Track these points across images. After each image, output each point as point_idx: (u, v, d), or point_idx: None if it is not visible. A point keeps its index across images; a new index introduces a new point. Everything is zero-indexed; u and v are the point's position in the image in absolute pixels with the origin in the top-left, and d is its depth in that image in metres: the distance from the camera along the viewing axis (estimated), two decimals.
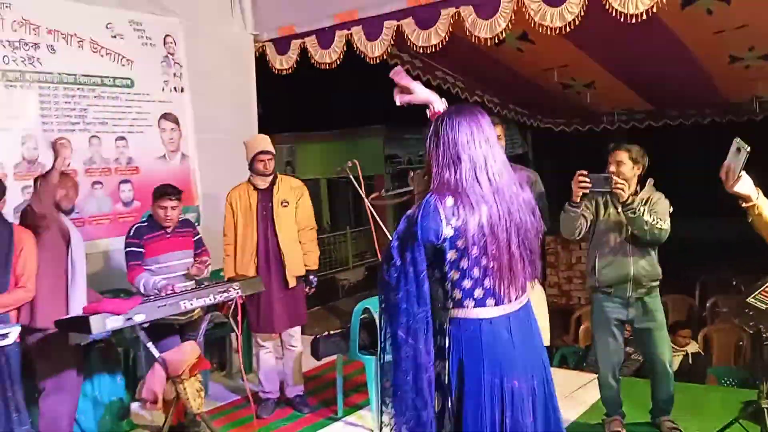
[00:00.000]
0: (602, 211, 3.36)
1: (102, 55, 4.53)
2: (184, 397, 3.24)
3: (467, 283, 1.86)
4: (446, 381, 1.88)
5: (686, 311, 6.30)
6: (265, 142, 3.99)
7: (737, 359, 5.11)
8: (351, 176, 3.81)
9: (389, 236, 3.70)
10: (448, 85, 7.07)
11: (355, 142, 12.92)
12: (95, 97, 4.49)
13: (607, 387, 3.46)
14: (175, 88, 5.05)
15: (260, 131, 5.54)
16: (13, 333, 3.02)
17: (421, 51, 4.51)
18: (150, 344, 3.09)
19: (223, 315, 3.69)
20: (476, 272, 1.85)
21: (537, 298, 3.54)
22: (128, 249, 3.62)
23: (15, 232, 3.15)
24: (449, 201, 1.82)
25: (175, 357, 3.23)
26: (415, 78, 6.75)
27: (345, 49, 4.88)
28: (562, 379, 3.67)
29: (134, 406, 3.86)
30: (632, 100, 7.70)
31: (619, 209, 3.24)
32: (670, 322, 4.01)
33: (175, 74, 5.06)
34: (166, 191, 3.67)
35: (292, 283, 3.90)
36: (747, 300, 2.86)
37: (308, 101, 9.46)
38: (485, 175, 1.86)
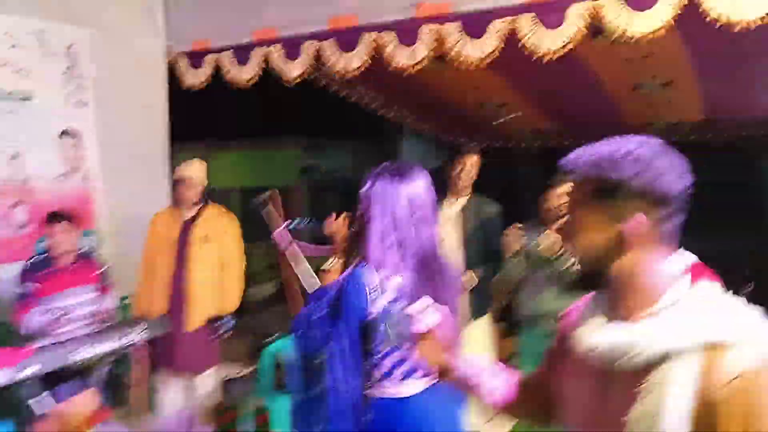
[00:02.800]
0: (531, 245, 3.44)
1: None
2: None
3: (390, 361, 1.85)
4: None
5: None
6: (184, 169, 3.79)
7: None
8: (264, 210, 3.67)
9: (304, 282, 3.61)
10: (367, 101, 7.05)
11: (271, 152, 12.64)
12: None
13: None
14: (78, 102, 4.73)
15: (172, 141, 5.29)
16: None
17: (339, 76, 4.44)
18: (33, 401, 2.84)
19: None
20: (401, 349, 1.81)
21: (479, 333, 3.57)
22: (19, 287, 3.33)
23: None
24: (382, 273, 1.79)
25: (71, 409, 2.99)
26: (335, 93, 6.71)
27: (264, 66, 4.73)
28: None
29: None
30: (542, 121, 7.99)
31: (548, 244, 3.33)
32: None
33: (78, 87, 4.73)
34: (53, 216, 3.41)
35: (194, 325, 3.68)
36: None
37: (224, 110, 9.16)
38: (417, 242, 1.83)
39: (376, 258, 1.81)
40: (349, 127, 10.30)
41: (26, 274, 3.35)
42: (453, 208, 3.67)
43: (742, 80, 5.67)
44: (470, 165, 3.64)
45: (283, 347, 3.55)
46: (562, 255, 3.30)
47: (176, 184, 3.73)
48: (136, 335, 3.18)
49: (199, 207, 3.78)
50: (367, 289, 1.76)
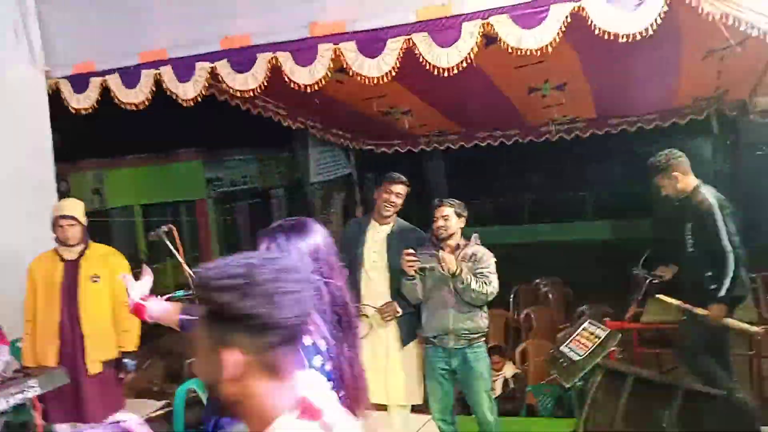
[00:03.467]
0: (428, 268, 3.47)
1: None
2: None
3: None
4: None
5: (503, 326, 6.60)
6: (65, 206, 3.55)
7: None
8: (167, 241, 3.51)
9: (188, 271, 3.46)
10: (270, 113, 6.90)
11: (171, 166, 12.17)
12: None
13: (440, 429, 3.59)
14: None
15: (61, 160, 4.95)
16: None
17: (239, 94, 4.30)
18: None
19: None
20: None
21: (406, 356, 3.56)
22: None
23: None
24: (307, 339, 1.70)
25: None
26: (235, 107, 6.52)
27: (154, 89, 4.50)
28: None
29: None
30: (446, 125, 8.13)
31: (445, 270, 3.37)
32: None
33: None
34: None
35: (93, 369, 3.46)
36: (560, 349, 3.06)
37: (117, 125, 8.69)
38: (332, 299, 1.78)
39: None
40: (252, 137, 10.08)
41: None
42: (379, 234, 3.66)
43: (628, 82, 6.00)
44: (396, 194, 3.63)
45: (198, 384, 3.39)
46: (459, 273, 3.37)
47: (56, 223, 3.49)
48: (30, 391, 2.94)
49: (83, 246, 3.56)
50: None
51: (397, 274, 3.56)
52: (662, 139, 7.49)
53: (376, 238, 3.67)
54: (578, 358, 3.13)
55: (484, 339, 3.52)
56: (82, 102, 4.75)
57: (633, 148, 9.86)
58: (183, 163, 12.21)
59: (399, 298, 3.57)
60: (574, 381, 3.21)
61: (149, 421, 3.51)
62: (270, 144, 11.25)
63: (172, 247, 3.49)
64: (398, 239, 3.56)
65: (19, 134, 4.76)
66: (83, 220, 3.58)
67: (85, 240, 3.61)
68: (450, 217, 3.46)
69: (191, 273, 3.55)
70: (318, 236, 1.81)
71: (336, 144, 8.85)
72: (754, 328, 3.67)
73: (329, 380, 1.71)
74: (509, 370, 5.23)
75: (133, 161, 11.91)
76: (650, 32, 3.22)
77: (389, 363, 3.62)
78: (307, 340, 1.70)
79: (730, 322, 3.54)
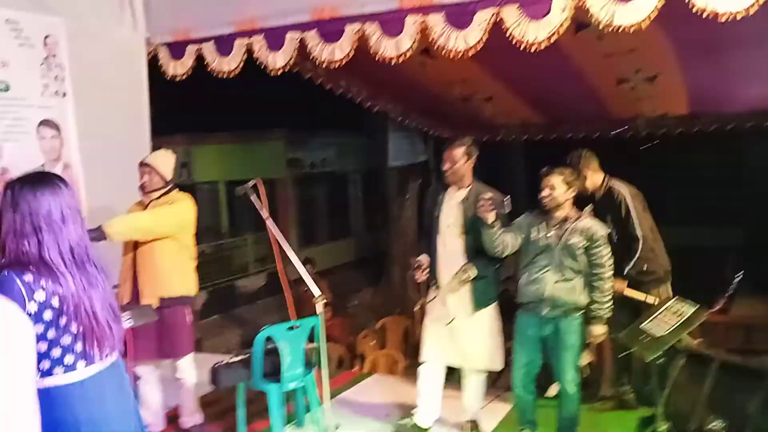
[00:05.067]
0: (532, 232, 3.43)
1: None
2: None
3: (56, 352, 1.89)
4: None
5: None
6: (147, 156, 3.75)
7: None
8: (252, 197, 3.66)
9: (291, 256, 3.58)
10: (352, 94, 7.02)
11: (255, 145, 12.57)
12: None
13: (519, 398, 3.56)
14: (56, 93, 4.65)
15: (153, 133, 5.22)
16: None
17: (325, 65, 4.40)
18: None
19: None
20: (66, 340, 1.89)
21: (481, 321, 3.56)
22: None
23: None
24: (28, 276, 1.84)
25: None
26: (321, 85, 6.68)
27: (246, 57, 4.68)
28: None
29: None
30: (528, 115, 7.99)
31: (549, 233, 3.33)
32: None
33: (56, 77, 4.65)
34: None
35: (145, 301, 3.60)
36: (641, 326, 2.99)
37: (206, 101, 9.08)
38: (66, 245, 1.90)
39: (16, 258, 1.87)
40: (334, 120, 10.26)
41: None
42: (455, 198, 3.66)
43: (728, 73, 5.70)
44: (458, 157, 3.62)
45: (276, 333, 3.52)
46: (567, 243, 3.31)
47: (139, 170, 3.72)
48: (124, 322, 3.14)
49: (160, 194, 3.74)
50: (21, 289, 1.81)
51: (472, 236, 3.55)
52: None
53: (452, 202, 3.68)
54: (662, 333, 3.05)
55: (581, 313, 3.41)
56: (178, 69, 5.01)
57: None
58: (267, 143, 12.59)
59: (475, 262, 3.55)
60: (656, 355, 3.12)
61: (229, 366, 3.68)
62: (350, 128, 11.42)
63: (256, 202, 3.64)
64: (474, 201, 3.54)
65: (120, 98, 5.07)
66: (161, 169, 3.73)
67: (166, 191, 3.75)
68: (557, 187, 3.36)
69: (274, 226, 3.70)
70: (67, 194, 1.95)
71: (414, 130, 8.89)
72: (651, 298, 3.87)
73: (60, 314, 1.85)
74: (585, 358, 5.17)
75: (220, 138, 12.39)
76: (752, 11, 3.08)
77: (463, 328, 3.61)
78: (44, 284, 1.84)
79: (627, 291, 3.89)
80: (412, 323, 6.34)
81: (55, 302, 1.86)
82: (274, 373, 3.55)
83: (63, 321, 1.88)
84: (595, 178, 4.15)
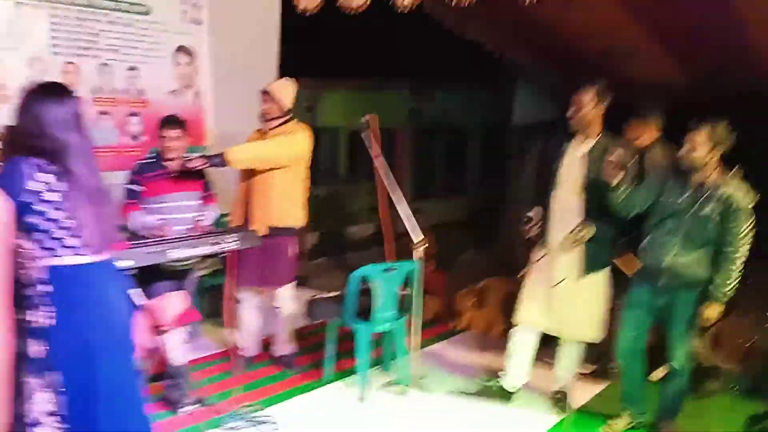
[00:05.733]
0: (665, 193, 3.15)
1: None
2: (163, 349, 3.15)
3: (61, 233, 2.07)
4: (44, 325, 2.04)
5: None
6: (268, 84, 3.79)
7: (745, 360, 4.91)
8: (363, 134, 3.62)
9: (396, 198, 3.54)
10: (481, 41, 6.76)
11: (378, 93, 12.54)
12: (108, 22, 4.29)
13: (624, 370, 3.33)
14: (193, 20, 4.83)
15: (282, 74, 5.32)
16: None
17: (454, 3, 4.22)
18: (133, 291, 2.98)
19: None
20: (69, 223, 2.08)
21: (588, 287, 3.33)
22: (126, 186, 3.49)
23: None
24: (36, 160, 2.03)
25: (161, 306, 3.13)
26: (447, 33, 6.47)
27: None
28: None
29: None
30: (672, 71, 7.29)
31: (683, 197, 3.04)
32: None
33: (194, 4, 4.82)
34: (168, 120, 3.53)
35: (254, 228, 3.65)
36: None
37: (335, 45, 9.12)
38: (70, 147, 2.08)
39: (26, 147, 2.06)
40: (460, 71, 9.98)
41: (135, 174, 3.51)
42: (578, 150, 3.37)
43: None
44: (586, 100, 3.30)
45: (371, 273, 3.53)
46: (700, 210, 3.01)
47: (260, 98, 3.77)
48: (227, 244, 3.26)
49: (277, 123, 3.77)
50: (24, 169, 2.00)
51: (593, 193, 3.28)
52: None
53: (575, 154, 3.38)
54: None
55: (699, 289, 3.08)
56: (309, 3, 5.01)
57: None
58: (390, 92, 12.54)
59: (593, 221, 3.28)
60: None
61: (324, 300, 3.74)
62: (475, 81, 11.07)
63: (366, 139, 3.61)
64: (601, 153, 3.24)
65: (252, 29, 5.18)
66: (281, 98, 3.75)
67: (285, 120, 3.78)
68: (699, 145, 2.96)
69: (382, 165, 3.64)
70: (70, 100, 2.14)
71: (544, 88, 8.47)
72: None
73: (64, 199, 2.04)
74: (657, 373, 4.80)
75: (345, 84, 12.47)
76: None
77: (566, 292, 3.38)
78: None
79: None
80: (516, 287, 6.15)
81: (60, 187, 2.05)
82: (365, 313, 3.56)
83: (66, 205, 2.06)
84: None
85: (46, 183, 2.03)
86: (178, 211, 3.52)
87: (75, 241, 2.08)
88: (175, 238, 3.14)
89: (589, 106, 3.28)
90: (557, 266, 3.41)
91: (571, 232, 3.31)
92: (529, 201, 3.60)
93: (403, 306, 3.72)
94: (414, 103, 13.19)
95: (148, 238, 3.16)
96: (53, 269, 2.05)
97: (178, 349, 3.24)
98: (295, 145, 3.76)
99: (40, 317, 2.04)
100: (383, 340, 3.94)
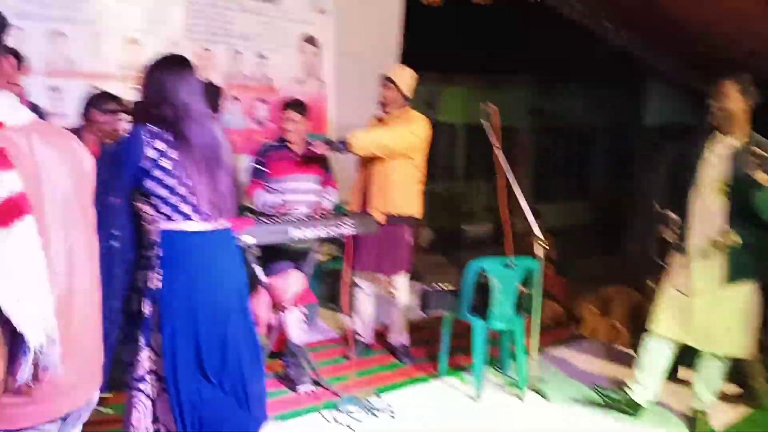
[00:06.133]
0: None
1: None
2: (284, 326, 3.17)
3: (174, 200, 2.09)
4: (154, 287, 2.10)
5: None
6: (392, 70, 3.73)
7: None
8: (483, 122, 3.48)
9: (516, 191, 3.38)
10: (611, 37, 6.38)
11: (499, 90, 12.23)
12: (241, 10, 4.43)
13: None
14: (320, 9, 4.89)
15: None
16: None
17: None
18: (257, 267, 3.02)
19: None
20: (182, 190, 2.09)
21: (730, 297, 3.01)
22: (253, 165, 3.59)
23: None
24: (154, 128, 2.07)
25: (281, 284, 3.15)
26: (575, 27, 6.17)
27: None
28: None
29: None
30: None
31: None
32: None
33: None
34: (290, 103, 3.59)
35: (378, 218, 3.60)
36: None
37: (456, 40, 8.98)
38: (187, 116, 2.09)
39: (146, 116, 2.11)
40: (586, 68, 9.48)
41: (260, 155, 3.60)
42: (722, 148, 3.06)
43: None
44: (730, 95, 2.96)
45: (490, 266, 3.37)
46: None
47: (380, 85, 3.72)
48: (346, 228, 3.25)
49: (398, 109, 3.70)
50: (143, 137, 2.05)
51: (740, 196, 2.93)
52: None
53: (718, 152, 3.05)
54: None
55: None
56: None
57: None
58: (511, 88, 12.21)
59: (738, 227, 2.95)
60: None
61: (439, 292, 3.63)
62: (603, 78, 10.49)
63: (488, 129, 3.46)
64: (747, 152, 2.89)
65: (376, 19, 5.19)
66: (402, 86, 3.68)
67: (402, 107, 3.71)
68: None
69: (502, 156, 3.49)
70: (188, 72, 2.15)
71: (681, 87, 7.87)
72: None
73: (177, 166, 2.06)
74: None
75: (466, 80, 12.29)
76: None
77: (708, 302, 3.06)
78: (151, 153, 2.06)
79: None
80: (643, 298, 5.74)
81: (174, 155, 2.07)
82: (482, 308, 3.41)
83: (179, 172, 2.07)
84: None
85: (162, 150, 2.07)
86: (300, 192, 3.57)
87: (187, 207, 2.11)
88: (296, 219, 3.16)
89: (734, 101, 2.95)
90: (696, 274, 3.08)
91: (713, 238, 2.99)
92: (662, 205, 3.29)
93: (523, 305, 3.53)
94: (536, 101, 12.78)
95: (270, 217, 3.19)
96: (165, 233, 2.11)
97: (296, 328, 3.26)
98: (414, 134, 3.69)
99: (153, 279, 2.10)
100: (500, 339, 3.76)
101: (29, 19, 3.61)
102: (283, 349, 3.43)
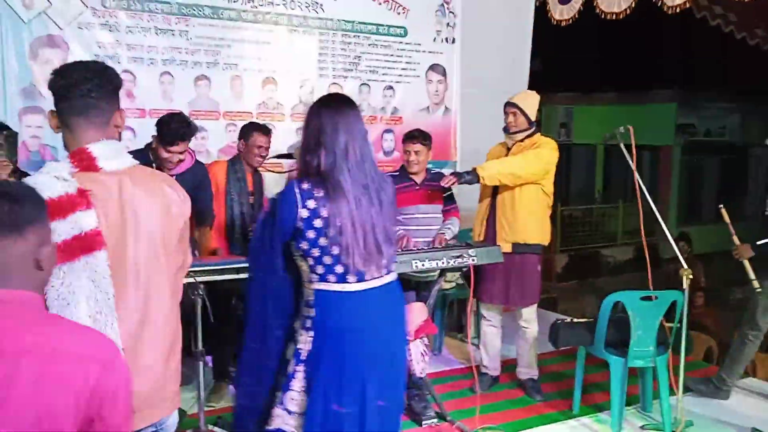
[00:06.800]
0: None
1: (379, 3, 4.57)
2: (408, 359, 3.16)
3: (328, 260, 1.99)
4: (308, 349, 2.02)
5: None
6: (515, 95, 3.65)
7: None
8: (622, 144, 3.29)
9: (656, 212, 3.17)
10: (758, 39, 5.82)
11: (641, 107, 11.53)
12: (369, 45, 4.58)
13: None
14: (446, 39, 4.92)
15: (533, 89, 5.17)
16: None
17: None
18: None
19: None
20: (335, 250, 1.97)
21: None
22: None
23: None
24: (305, 185, 1.98)
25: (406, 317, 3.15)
26: (728, 35, 5.71)
27: None
28: None
29: None
30: None
31: None
32: None
33: (448, 24, 4.92)
34: (412, 134, 3.62)
35: (505, 248, 3.50)
36: None
37: (589, 57, 8.65)
38: (344, 163, 1.97)
39: (301, 170, 2.03)
40: (740, 79, 8.73)
41: None
42: None
43: None
44: None
45: (628, 300, 3.16)
46: None
47: (504, 110, 3.63)
48: (468, 258, 3.20)
49: (523, 135, 3.58)
50: (296, 195, 1.97)
51: None
52: None
53: None
54: None
55: None
56: (565, 13, 4.79)
57: None
58: (654, 105, 11.49)
59: None
60: None
61: (571, 325, 3.45)
62: (761, 91, 9.58)
63: (625, 150, 3.27)
64: None
65: (504, 46, 5.12)
66: (527, 110, 3.59)
67: (530, 133, 3.61)
68: None
69: (640, 181, 3.28)
70: (351, 115, 2.02)
71: None
72: None
73: (329, 225, 1.95)
74: None
75: (603, 99, 11.78)
76: None
77: None
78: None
79: None
80: None
81: (325, 212, 1.95)
82: (620, 344, 3.19)
83: (331, 232, 1.96)
84: None
85: (314, 209, 1.97)
86: (422, 223, 3.57)
87: (340, 268, 1.99)
88: (419, 249, 3.15)
89: None
90: None
91: None
92: None
93: (666, 340, 3.26)
94: (683, 118, 11.92)
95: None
96: (318, 293, 2.02)
97: (420, 360, 3.24)
98: (543, 159, 3.57)
99: (302, 341, 2.04)
100: (642, 377, 3.50)
101: (177, 64, 3.96)
102: (408, 382, 3.41)
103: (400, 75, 4.74)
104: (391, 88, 4.70)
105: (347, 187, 1.97)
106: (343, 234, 1.96)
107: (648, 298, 3.18)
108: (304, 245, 1.98)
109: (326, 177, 1.97)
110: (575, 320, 3.45)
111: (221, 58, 4.09)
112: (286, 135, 4.17)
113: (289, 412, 2.05)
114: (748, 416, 3.52)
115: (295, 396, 2.04)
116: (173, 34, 3.93)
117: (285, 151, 3.20)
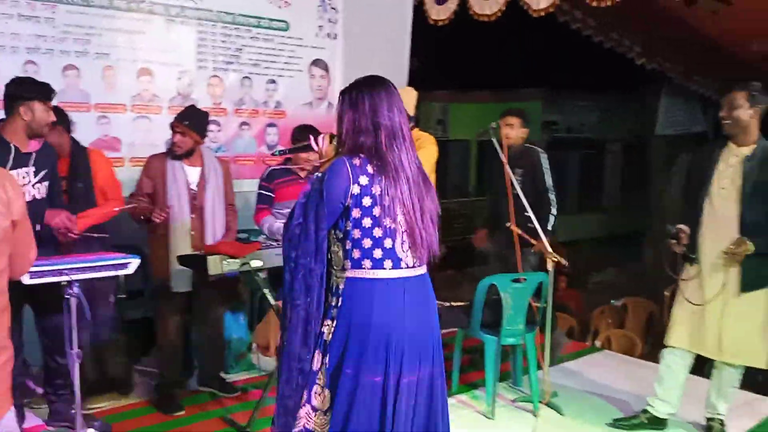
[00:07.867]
0: None
1: None
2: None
3: (367, 243, 1.92)
4: (329, 339, 1.96)
5: None
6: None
7: None
8: (493, 139, 3.53)
9: (525, 204, 3.41)
10: (624, 49, 6.41)
11: (510, 104, 12.30)
12: (251, 37, 4.54)
13: None
14: (328, 35, 4.98)
15: (412, 86, 5.35)
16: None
17: (595, 4, 4.02)
18: (267, 291, 3.07)
19: None
20: (377, 232, 1.92)
21: (747, 306, 3.00)
22: (259, 191, 3.65)
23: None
24: (357, 161, 1.92)
25: None
26: (587, 38, 6.19)
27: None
28: None
29: (254, 348, 3.94)
30: None
31: None
32: None
33: (330, 20, 4.98)
34: (303, 128, 3.65)
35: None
36: None
37: (464, 57, 9.05)
38: (399, 143, 1.95)
39: (352, 148, 1.96)
40: (597, 79, 9.52)
41: (265, 180, 3.65)
42: (735, 157, 3.03)
43: None
44: (738, 102, 2.97)
45: (500, 282, 3.39)
46: None
47: None
48: None
49: None
50: (348, 170, 1.90)
51: (754, 203, 2.92)
52: None
53: (730, 160, 3.05)
54: None
55: None
56: (441, 13, 5.02)
57: None
58: (522, 103, 12.25)
59: (754, 235, 2.92)
60: None
61: (449, 309, 3.65)
62: (615, 90, 10.50)
63: (496, 145, 3.51)
64: (762, 161, 2.90)
65: (384, 42, 5.25)
66: (407, 107, 3.71)
67: (410, 127, 3.73)
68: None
69: (510, 171, 3.54)
70: (397, 96, 1.99)
71: (693, 95, 7.87)
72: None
73: (376, 204, 1.90)
74: None
75: (476, 97, 12.37)
76: None
77: (724, 311, 3.05)
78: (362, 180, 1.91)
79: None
80: (659, 309, 5.71)
81: (376, 190, 1.90)
82: (493, 324, 3.43)
83: (377, 211, 1.91)
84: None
85: (365, 185, 1.91)
86: None
87: (379, 252, 1.92)
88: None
89: (744, 107, 2.97)
90: (710, 284, 3.08)
91: (728, 247, 2.98)
92: (677, 214, 3.29)
93: (534, 319, 3.55)
94: (547, 115, 12.83)
95: (279, 241, 3.24)
96: (349, 282, 1.95)
97: None
98: (433, 157, 3.71)
99: (325, 328, 1.98)
100: (513, 353, 3.77)
101: (43, 53, 3.73)
102: None
103: (283, 69, 4.74)
104: (273, 81, 4.70)
105: (400, 169, 1.93)
106: (391, 215, 1.91)
107: (518, 281, 3.44)
108: (348, 225, 1.92)
109: (381, 155, 1.92)
110: (454, 304, 3.66)
111: (92, 47, 3.89)
112: (163, 129, 4.04)
113: (314, 409, 1.98)
114: (605, 385, 3.91)
115: (318, 390, 1.97)
116: (38, 21, 3.70)
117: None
